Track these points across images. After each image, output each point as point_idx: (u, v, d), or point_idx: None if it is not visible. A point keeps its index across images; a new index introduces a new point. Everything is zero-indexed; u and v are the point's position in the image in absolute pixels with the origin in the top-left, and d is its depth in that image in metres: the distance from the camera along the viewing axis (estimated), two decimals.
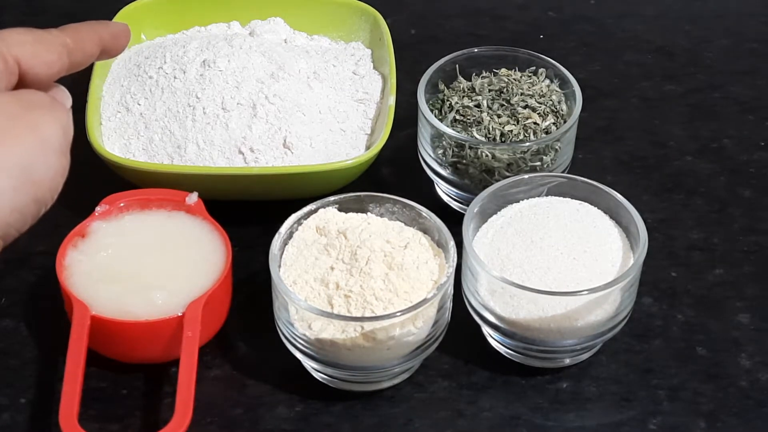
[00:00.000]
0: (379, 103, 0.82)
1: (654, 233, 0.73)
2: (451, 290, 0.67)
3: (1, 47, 0.51)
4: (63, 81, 0.89)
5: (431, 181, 0.79)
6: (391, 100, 0.79)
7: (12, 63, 0.51)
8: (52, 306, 0.71)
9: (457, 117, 0.77)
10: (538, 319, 0.66)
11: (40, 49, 0.53)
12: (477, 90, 0.78)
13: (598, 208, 0.71)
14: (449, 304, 0.67)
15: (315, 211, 0.69)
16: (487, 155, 0.74)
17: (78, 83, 0.87)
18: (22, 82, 0.52)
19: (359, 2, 0.88)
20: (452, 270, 0.66)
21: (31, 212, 0.48)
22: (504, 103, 0.77)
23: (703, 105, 0.89)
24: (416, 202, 0.69)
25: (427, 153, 0.77)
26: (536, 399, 0.68)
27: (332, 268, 0.66)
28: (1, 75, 0.50)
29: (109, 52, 0.57)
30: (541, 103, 0.77)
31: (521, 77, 0.79)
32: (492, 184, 0.71)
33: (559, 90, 0.79)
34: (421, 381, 0.69)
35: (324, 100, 0.80)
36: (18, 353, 0.70)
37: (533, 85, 0.78)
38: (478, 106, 0.77)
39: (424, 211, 0.69)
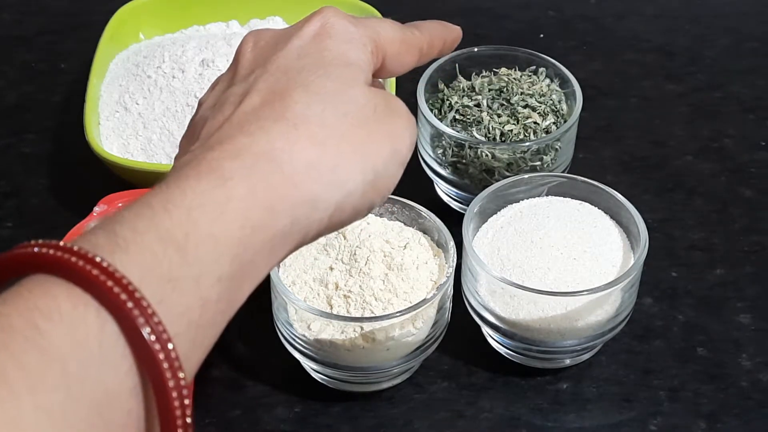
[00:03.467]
0: None
1: (654, 233, 0.72)
2: (450, 290, 0.67)
3: (378, 40, 0.51)
4: (62, 80, 0.90)
5: (431, 181, 0.79)
6: None
7: (380, 58, 0.52)
8: None
9: (457, 116, 0.76)
10: (538, 320, 0.66)
11: (404, 50, 0.53)
12: (477, 89, 0.78)
13: (598, 208, 0.71)
14: (449, 305, 0.67)
15: None
16: (487, 155, 0.74)
17: (76, 83, 0.87)
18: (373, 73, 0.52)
19: (359, 1, 0.88)
20: (452, 270, 0.65)
21: (361, 215, 0.48)
22: (504, 102, 0.77)
23: (703, 104, 0.89)
24: (416, 202, 0.69)
25: (426, 153, 0.77)
26: (536, 400, 0.68)
27: (331, 269, 0.66)
28: (371, 67, 0.50)
29: (437, 55, 0.57)
30: (541, 103, 0.76)
31: (521, 77, 0.79)
32: (492, 183, 0.71)
33: (559, 89, 0.78)
34: (421, 382, 0.69)
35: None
36: None
37: (533, 85, 0.78)
38: (477, 105, 0.77)
39: (424, 211, 0.69)
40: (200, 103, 0.50)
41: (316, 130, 0.46)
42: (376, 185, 0.48)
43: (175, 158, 0.48)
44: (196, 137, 0.47)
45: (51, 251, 0.38)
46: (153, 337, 0.38)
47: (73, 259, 0.38)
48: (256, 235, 0.43)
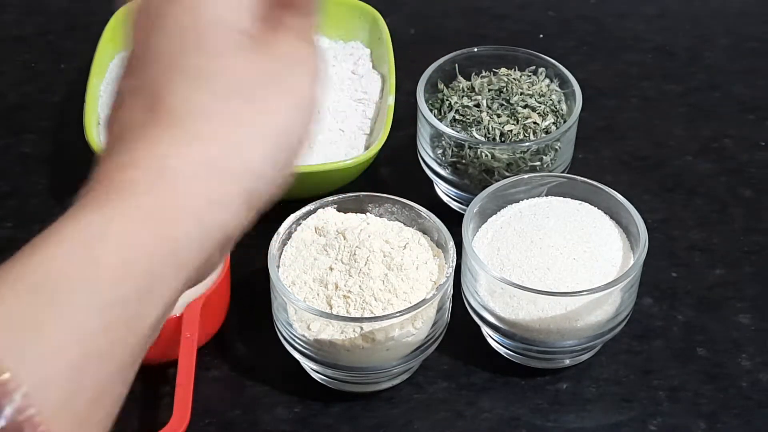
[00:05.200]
0: (378, 102, 0.82)
1: (654, 233, 0.72)
2: (450, 291, 0.67)
3: None
4: (62, 80, 0.90)
5: (431, 181, 0.79)
6: (391, 99, 0.79)
7: None
8: None
9: (457, 117, 0.76)
10: (537, 320, 0.66)
11: None
12: (476, 89, 0.78)
13: (598, 208, 0.70)
14: (449, 305, 0.67)
15: (314, 211, 0.69)
16: (486, 155, 0.74)
17: (76, 83, 0.87)
18: None
19: (358, 1, 0.88)
20: (451, 270, 0.65)
21: (285, 176, 0.43)
22: (504, 102, 0.77)
23: (703, 105, 0.88)
24: (415, 202, 0.69)
25: (426, 153, 0.77)
26: (536, 400, 0.68)
27: (331, 269, 0.66)
28: (250, 7, 0.43)
29: None
30: (540, 103, 0.76)
31: (521, 77, 0.79)
32: (492, 184, 0.71)
33: (559, 90, 0.78)
34: (421, 382, 0.69)
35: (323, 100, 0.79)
36: None
37: (533, 85, 0.78)
38: (477, 105, 0.77)
39: (424, 212, 0.69)
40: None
41: (201, 125, 0.41)
42: (288, 146, 0.43)
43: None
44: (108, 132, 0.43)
45: None
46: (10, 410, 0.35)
47: None
48: (156, 252, 0.40)
